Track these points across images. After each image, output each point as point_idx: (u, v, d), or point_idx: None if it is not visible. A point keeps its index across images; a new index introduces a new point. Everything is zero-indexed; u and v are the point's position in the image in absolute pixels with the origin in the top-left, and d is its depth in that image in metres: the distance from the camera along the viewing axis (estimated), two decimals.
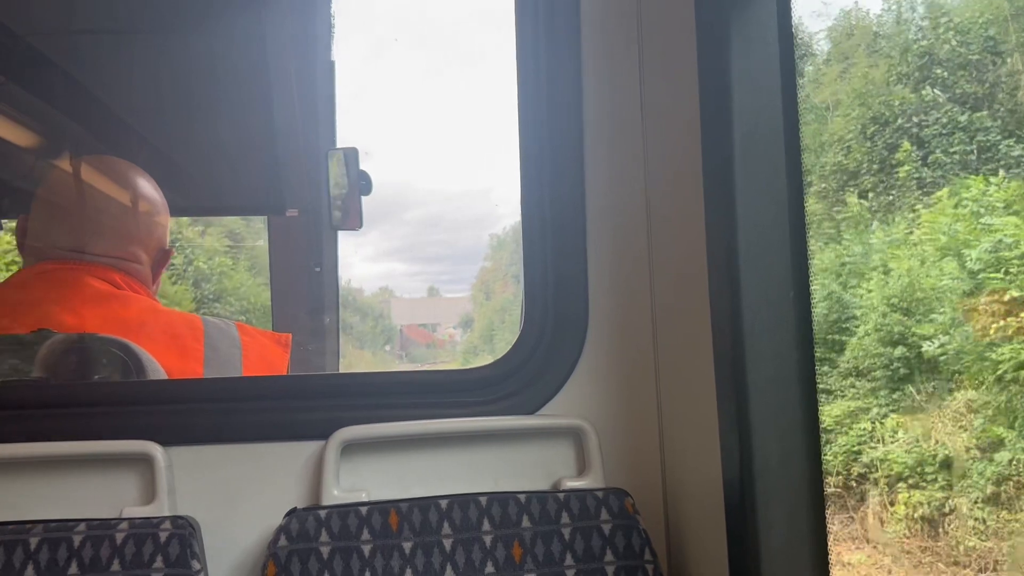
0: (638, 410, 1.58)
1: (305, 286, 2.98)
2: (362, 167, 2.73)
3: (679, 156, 1.44)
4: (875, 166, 15.19)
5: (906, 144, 14.72)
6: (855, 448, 12.00)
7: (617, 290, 1.59)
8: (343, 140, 2.85)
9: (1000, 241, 11.79)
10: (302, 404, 1.55)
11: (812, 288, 1.14)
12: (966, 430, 11.28)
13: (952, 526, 10.71)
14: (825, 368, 12.59)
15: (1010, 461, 10.52)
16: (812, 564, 1.12)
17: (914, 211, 13.97)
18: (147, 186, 2.15)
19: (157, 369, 1.75)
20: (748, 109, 1.16)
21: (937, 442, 11.38)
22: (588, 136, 1.59)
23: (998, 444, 10.78)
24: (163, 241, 2.17)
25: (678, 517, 1.52)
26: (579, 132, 1.58)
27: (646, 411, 1.58)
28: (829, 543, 1.13)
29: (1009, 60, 14.81)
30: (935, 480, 11.09)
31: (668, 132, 1.49)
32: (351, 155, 2.66)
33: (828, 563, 1.12)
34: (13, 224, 2.53)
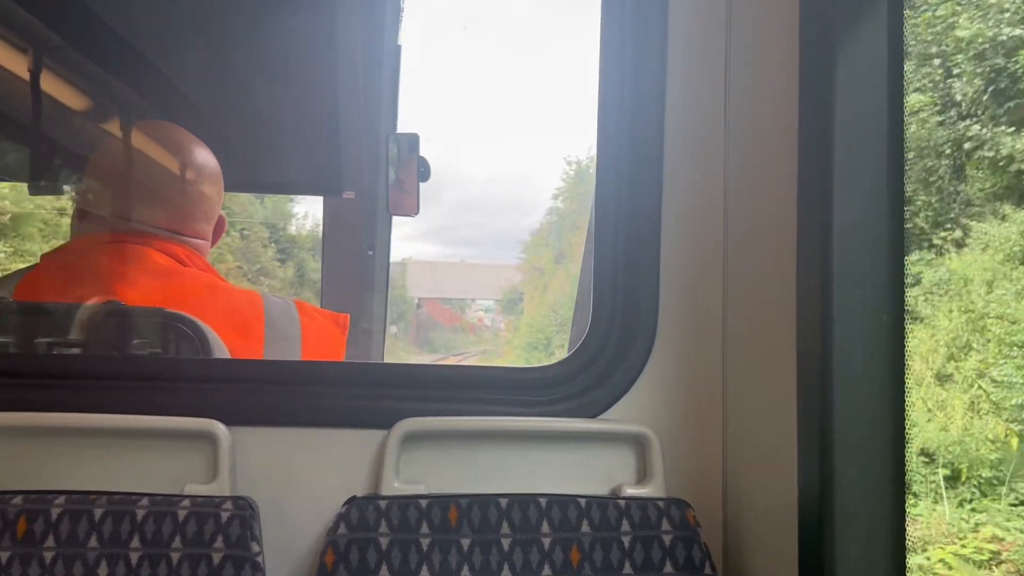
0: (702, 420, 1.55)
1: (356, 268, 2.99)
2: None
3: (766, 161, 1.40)
4: None
5: None
6: None
7: (689, 296, 1.56)
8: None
9: None
10: (364, 392, 1.54)
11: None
12: None
13: None
14: None
15: None
16: None
17: None
18: (204, 154, 2.13)
19: (222, 347, 1.76)
20: (852, 116, 1.13)
21: None
22: (668, 134, 1.55)
23: None
24: (218, 210, 2.16)
25: (739, 532, 1.49)
26: (660, 129, 1.55)
27: (710, 421, 1.55)
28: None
29: None
30: None
31: (755, 134, 1.46)
32: (412, 141, 2.64)
33: None
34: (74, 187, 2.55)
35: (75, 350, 1.78)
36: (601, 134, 1.58)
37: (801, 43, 1.23)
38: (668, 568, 1.39)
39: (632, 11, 1.55)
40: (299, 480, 1.49)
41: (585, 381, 1.56)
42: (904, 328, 1.10)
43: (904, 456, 1.10)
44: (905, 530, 1.10)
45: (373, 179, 2.78)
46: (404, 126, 2.76)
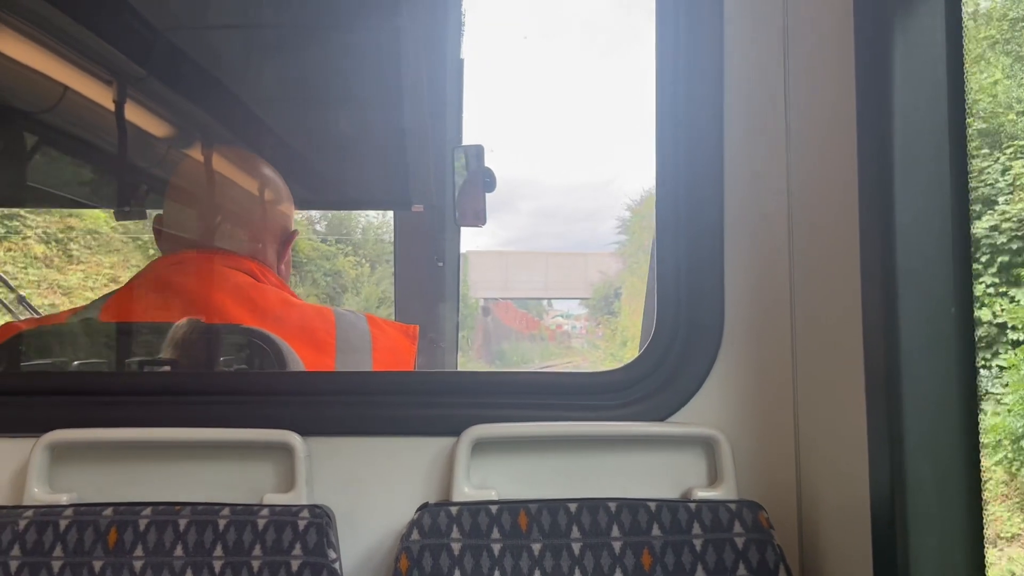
0: (773, 421, 1.53)
1: (428, 279, 3.05)
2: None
3: (827, 159, 1.38)
4: None
5: None
6: None
7: (755, 295, 1.54)
8: (468, 131, 2.89)
9: None
10: (433, 400, 1.57)
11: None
12: None
13: None
14: None
15: None
16: None
17: None
18: (273, 175, 2.22)
19: (297, 361, 1.82)
20: (911, 110, 1.11)
21: None
22: (728, 132, 1.55)
23: None
24: (288, 226, 2.24)
25: (814, 533, 1.47)
26: (719, 127, 1.54)
27: (782, 422, 1.53)
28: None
29: None
30: None
31: (816, 132, 1.44)
32: (477, 152, 2.68)
33: None
34: (157, 212, 2.67)
35: (165, 368, 1.87)
36: (660, 133, 1.58)
37: (856, 36, 1.21)
38: (741, 570, 1.38)
39: (686, 12, 1.55)
40: (373, 488, 1.53)
41: (652, 384, 1.55)
42: (973, 320, 1.07)
43: (978, 453, 1.07)
44: (983, 529, 1.07)
45: (441, 192, 2.84)
46: (481, 138, 2.79)
